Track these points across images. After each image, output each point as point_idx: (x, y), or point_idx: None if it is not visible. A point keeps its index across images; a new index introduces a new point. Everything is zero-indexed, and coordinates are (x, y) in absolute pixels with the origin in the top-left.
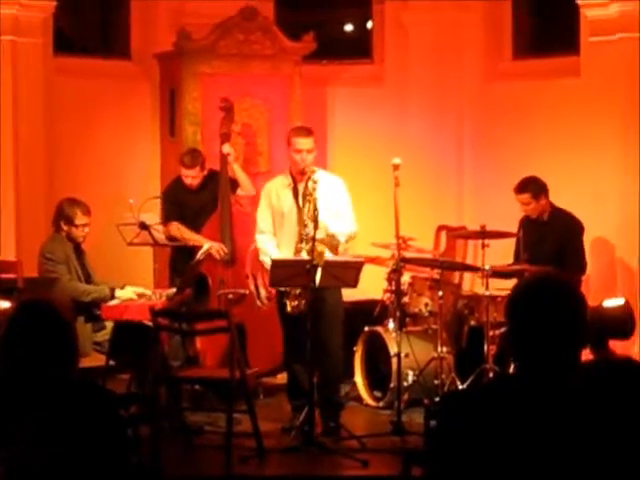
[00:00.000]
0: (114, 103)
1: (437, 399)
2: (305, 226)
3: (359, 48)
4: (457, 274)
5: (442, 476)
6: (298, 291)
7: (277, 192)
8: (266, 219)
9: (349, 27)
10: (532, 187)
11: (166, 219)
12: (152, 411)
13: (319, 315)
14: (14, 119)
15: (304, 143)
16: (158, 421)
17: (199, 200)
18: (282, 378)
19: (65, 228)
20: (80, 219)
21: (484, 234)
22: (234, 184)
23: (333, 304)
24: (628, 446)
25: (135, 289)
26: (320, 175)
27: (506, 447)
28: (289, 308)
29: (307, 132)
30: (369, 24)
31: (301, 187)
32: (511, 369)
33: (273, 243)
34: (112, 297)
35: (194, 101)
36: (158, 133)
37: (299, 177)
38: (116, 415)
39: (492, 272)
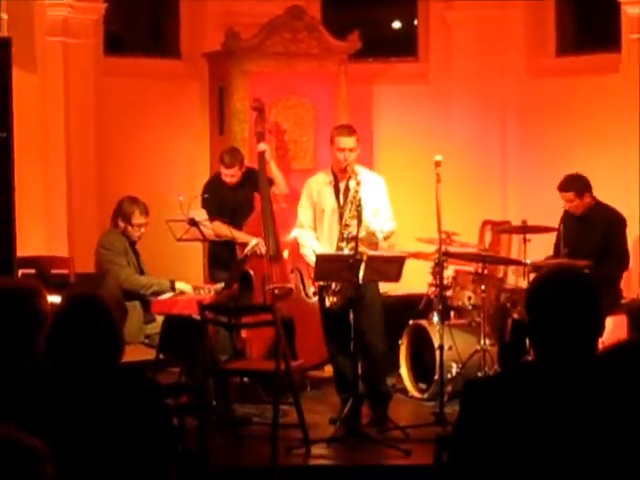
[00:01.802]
0: (164, 102)
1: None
2: (347, 225)
3: (404, 46)
4: (501, 268)
5: (465, 462)
6: (337, 287)
7: (318, 189)
8: (307, 214)
9: (394, 25)
10: (576, 185)
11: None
12: (200, 402)
13: (358, 309)
14: (65, 119)
15: (347, 142)
16: (206, 412)
17: (237, 197)
18: (329, 371)
19: (122, 225)
20: (137, 218)
21: (525, 229)
22: (270, 182)
23: (371, 298)
24: None
25: (184, 284)
26: (363, 174)
27: (527, 434)
28: (328, 303)
29: (350, 131)
30: (415, 22)
31: (342, 185)
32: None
33: (313, 237)
34: (172, 290)
35: (242, 99)
36: (207, 131)
37: (341, 175)
38: (160, 403)
39: (532, 266)
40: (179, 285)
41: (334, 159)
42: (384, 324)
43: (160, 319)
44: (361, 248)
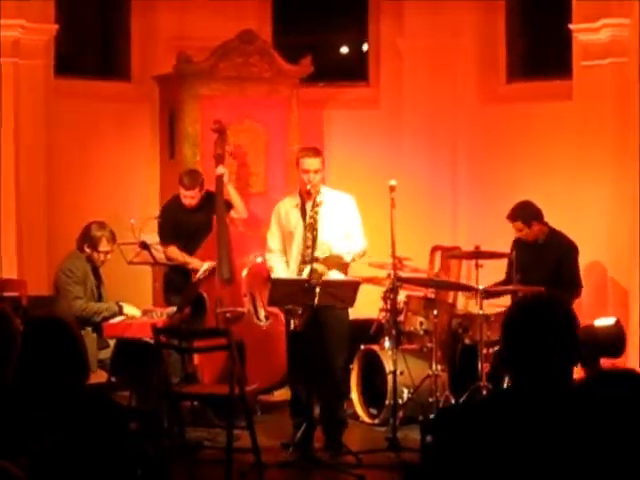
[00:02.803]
0: (114, 125)
1: (432, 416)
2: (307, 247)
3: (355, 71)
4: (451, 293)
5: None
6: (300, 310)
7: (286, 211)
8: (275, 238)
9: (345, 50)
10: (523, 214)
11: (162, 238)
12: (156, 427)
13: (324, 334)
14: (15, 140)
15: (311, 163)
16: (161, 437)
17: (195, 220)
18: (279, 395)
19: (88, 251)
20: (104, 246)
21: (478, 254)
22: (228, 205)
23: (338, 324)
24: (628, 458)
25: (131, 307)
26: (329, 194)
27: (501, 462)
28: (292, 326)
29: (315, 152)
30: (365, 47)
31: (309, 207)
32: (504, 385)
33: (282, 261)
34: (120, 314)
35: (193, 123)
36: (158, 155)
37: (307, 197)
38: (125, 425)
39: (485, 292)
40: (127, 309)
41: (300, 181)
42: (348, 350)
43: (112, 343)
44: (320, 268)
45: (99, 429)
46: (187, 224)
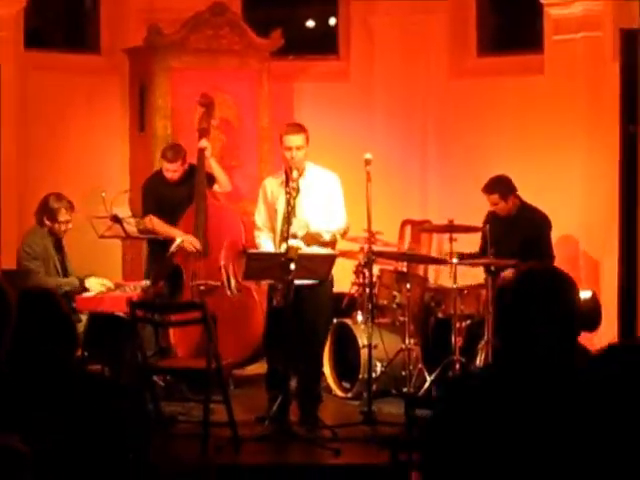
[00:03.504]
0: (84, 98)
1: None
2: (288, 223)
3: (325, 44)
4: (422, 267)
5: (441, 463)
6: (282, 286)
7: (272, 189)
8: (262, 215)
9: (315, 23)
10: (499, 188)
11: (144, 211)
12: (138, 401)
13: (306, 309)
14: None
15: (293, 140)
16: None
17: (178, 194)
18: (251, 370)
19: (48, 223)
20: (63, 216)
21: (452, 228)
22: (211, 179)
23: (321, 300)
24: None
25: (99, 280)
26: (313, 171)
27: (505, 434)
28: (274, 302)
29: (298, 129)
30: (332, 21)
31: (291, 184)
32: (478, 361)
33: (268, 238)
34: (82, 287)
35: (164, 96)
36: (128, 127)
37: (291, 174)
38: (124, 404)
39: (461, 258)
40: (89, 283)
41: (283, 158)
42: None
43: (83, 318)
44: (296, 243)
45: (98, 406)
46: (169, 198)
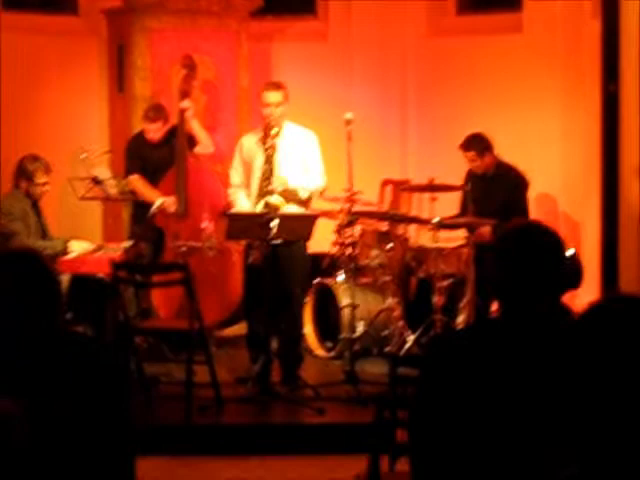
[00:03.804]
0: (62, 59)
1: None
2: (266, 180)
3: (303, 4)
4: (402, 226)
5: (430, 420)
6: (258, 244)
7: (249, 146)
8: (237, 172)
9: None
10: (476, 145)
11: (127, 171)
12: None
13: (282, 268)
14: None
15: (271, 96)
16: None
17: (160, 155)
18: (232, 330)
19: (24, 185)
20: (40, 177)
21: (432, 187)
22: (192, 140)
23: (297, 258)
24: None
25: (82, 243)
26: (291, 129)
27: (493, 391)
28: (250, 260)
29: (275, 86)
30: None
31: (269, 141)
32: (459, 319)
33: (243, 195)
34: (64, 250)
35: (143, 56)
36: (107, 88)
37: (268, 131)
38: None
39: (441, 225)
40: (74, 245)
41: (262, 116)
42: (307, 284)
43: (66, 279)
44: (276, 200)
45: (80, 364)
46: (151, 159)
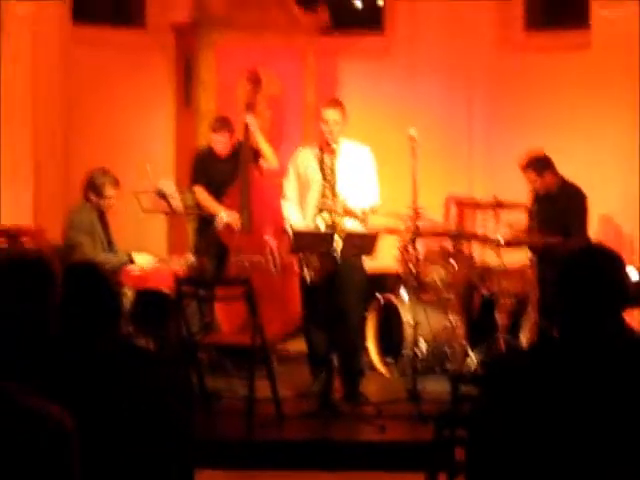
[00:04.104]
0: (130, 72)
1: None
2: (323, 196)
3: (370, 20)
4: (466, 244)
5: (489, 440)
6: (317, 261)
7: (304, 162)
8: (291, 187)
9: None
10: (535, 164)
11: (193, 182)
12: (185, 377)
13: (341, 285)
14: (32, 88)
15: (330, 114)
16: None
17: (226, 169)
18: (294, 347)
19: (93, 198)
20: (108, 191)
21: (497, 204)
22: (256, 154)
23: (355, 275)
24: None
25: (146, 257)
26: (346, 145)
27: (554, 413)
28: (307, 278)
29: (335, 103)
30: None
31: (327, 158)
32: (522, 339)
33: (298, 210)
34: (128, 263)
35: (209, 71)
36: (173, 102)
37: (326, 148)
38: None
39: (506, 243)
40: (138, 259)
41: (319, 132)
42: (363, 300)
43: (129, 294)
44: (337, 218)
45: (143, 377)
46: (216, 173)
